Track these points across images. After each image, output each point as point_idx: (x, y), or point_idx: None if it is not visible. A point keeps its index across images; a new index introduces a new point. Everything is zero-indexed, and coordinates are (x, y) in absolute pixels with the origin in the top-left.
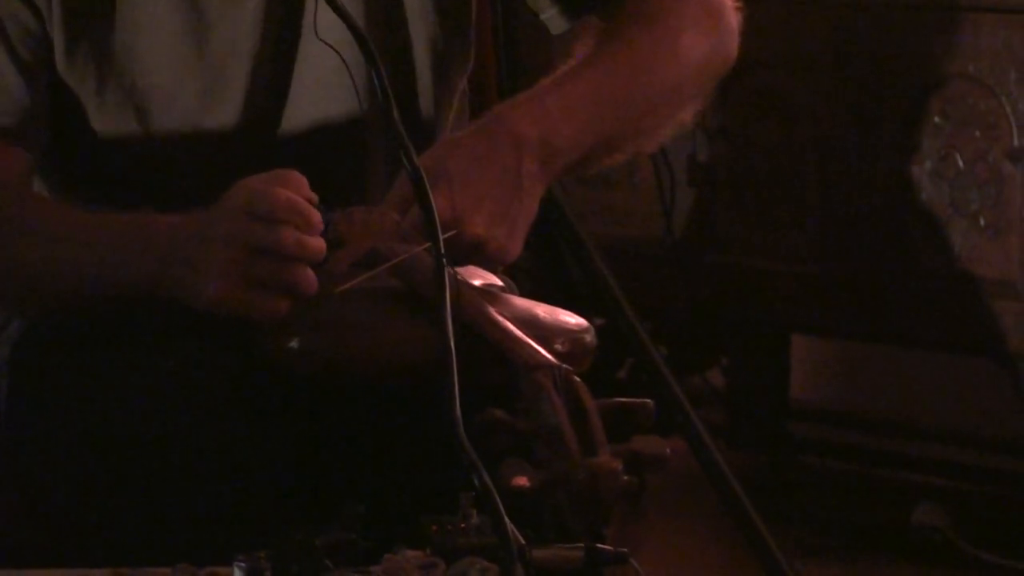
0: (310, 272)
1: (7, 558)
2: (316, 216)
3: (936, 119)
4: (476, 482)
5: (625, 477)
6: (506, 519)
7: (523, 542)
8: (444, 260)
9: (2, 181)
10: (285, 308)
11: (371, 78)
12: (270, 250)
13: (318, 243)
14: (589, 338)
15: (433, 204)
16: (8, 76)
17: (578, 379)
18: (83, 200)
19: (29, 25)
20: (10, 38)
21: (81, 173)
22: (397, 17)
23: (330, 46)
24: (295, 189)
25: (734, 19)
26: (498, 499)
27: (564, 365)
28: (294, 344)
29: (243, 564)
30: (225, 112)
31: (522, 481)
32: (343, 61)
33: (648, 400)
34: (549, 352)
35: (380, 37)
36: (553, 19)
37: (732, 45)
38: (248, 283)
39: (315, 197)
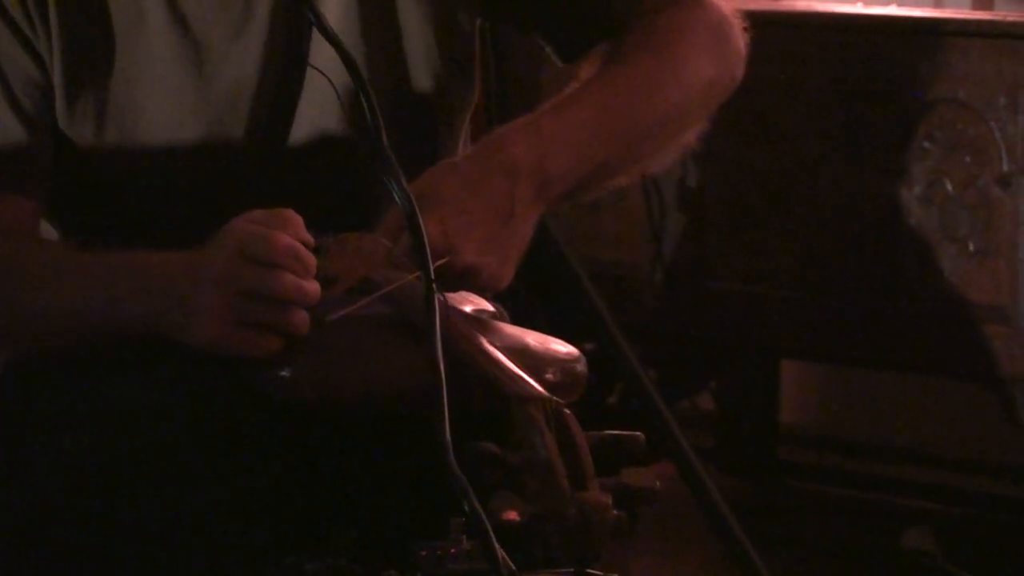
0: (304, 314)
1: None
2: (312, 260)
3: (925, 144)
4: (466, 507)
5: (615, 512)
6: (496, 544)
7: (512, 567)
8: (435, 288)
9: (5, 222)
10: (277, 346)
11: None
12: (266, 295)
13: (314, 287)
14: (580, 367)
15: (424, 232)
16: (10, 127)
17: (568, 412)
18: (91, 238)
19: (31, 73)
20: (11, 87)
21: (84, 213)
22: (399, 59)
23: (320, 72)
24: (292, 231)
25: (742, 42)
26: (488, 524)
27: (555, 398)
28: (285, 372)
29: None
30: (228, 147)
31: (512, 515)
32: (334, 88)
33: (638, 433)
34: (540, 382)
35: (383, 79)
36: (554, 55)
37: (738, 68)
38: (241, 325)
39: (311, 240)
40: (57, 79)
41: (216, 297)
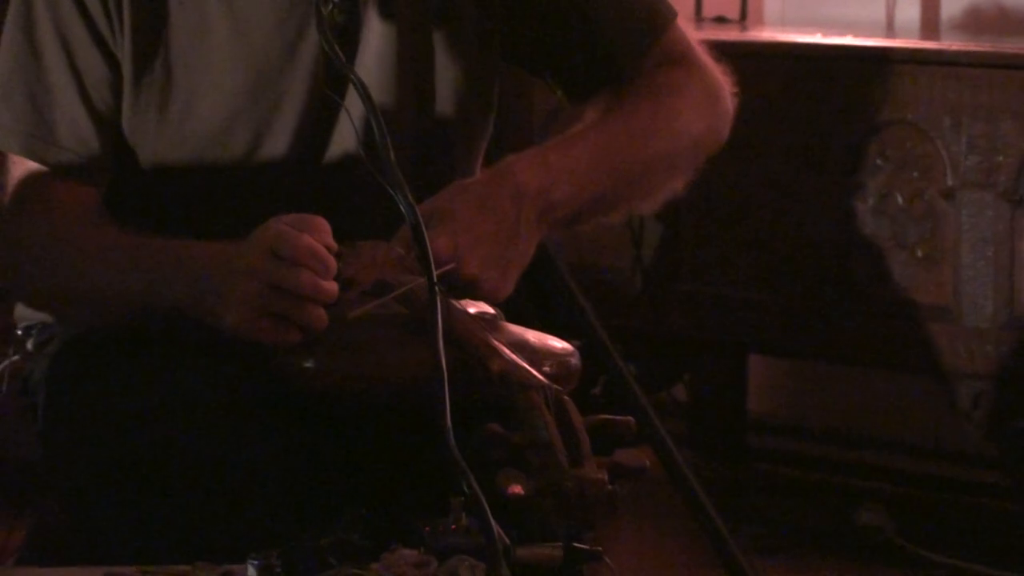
0: (322, 311)
1: (47, 555)
2: (333, 263)
3: (878, 161)
4: (465, 488)
5: (609, 486)
6: (492, 521)
7: (508, 542)
8: (437, 287)
9: (71, 207)
10: (296, 338)
11: (399, 127)
12: (288, 289)
13: (332, 287)
14: (574, 361)
15: (427, 240)
16: (81, 122)
17: (567, 398)
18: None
19: (103, 71)
20: (86, 87)
21: (135, 205)
22: (430, 91)
23: (334, 96)
24: (318, 234)
25: (731, 105)
26: (485, 503)
27: (555, 386)
28: (310, 364)
29: (256, 562)
30: (269, 155)
31: (517, 489)
32: (347, 113)
33: (630, 417)
34: (539, 373)
35: (413, 109)
36: (562, 96)
37: (725, 128)
38: (265, 314)
39: (334, 245)
40: (126, 76)
41: (245, 287)
